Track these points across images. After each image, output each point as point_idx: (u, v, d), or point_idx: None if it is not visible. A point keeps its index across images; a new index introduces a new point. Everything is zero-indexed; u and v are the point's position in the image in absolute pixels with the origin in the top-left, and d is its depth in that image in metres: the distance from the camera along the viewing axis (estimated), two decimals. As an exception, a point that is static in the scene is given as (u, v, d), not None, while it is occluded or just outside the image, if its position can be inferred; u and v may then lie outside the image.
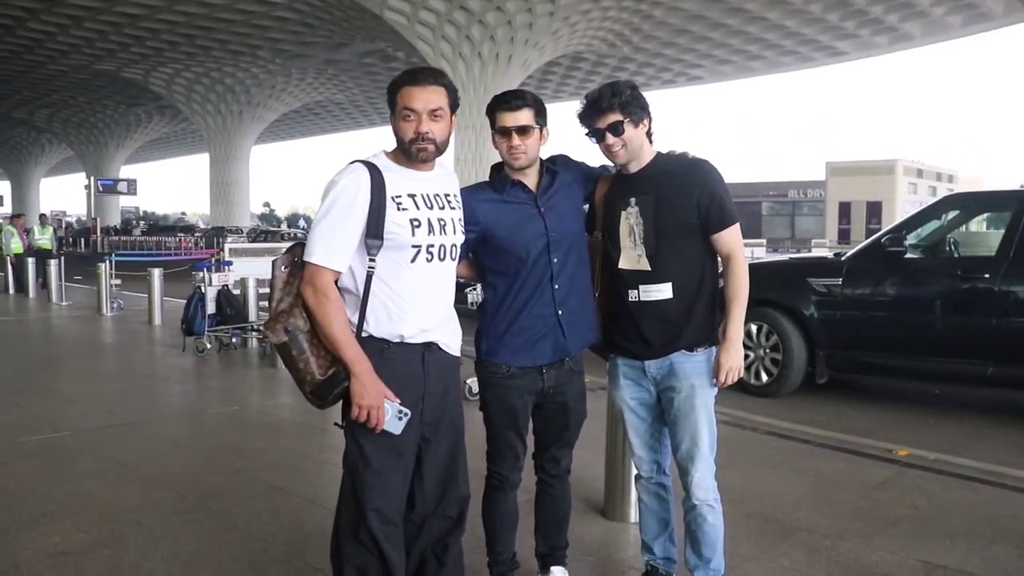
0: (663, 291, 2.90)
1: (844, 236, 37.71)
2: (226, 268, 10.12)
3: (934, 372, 6.80)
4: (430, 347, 2.59)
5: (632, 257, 2.92)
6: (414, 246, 2.50)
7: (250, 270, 10.61)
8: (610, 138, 2.86)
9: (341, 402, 2.54)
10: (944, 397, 7.48)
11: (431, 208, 2.56)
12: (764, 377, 7.40)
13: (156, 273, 12.45)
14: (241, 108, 52.70)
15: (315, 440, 5.83)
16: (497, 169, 2.96)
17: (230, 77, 49.71)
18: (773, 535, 3.98)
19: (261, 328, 9.66)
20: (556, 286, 2.87)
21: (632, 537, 3.88)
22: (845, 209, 40.03)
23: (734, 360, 2.88)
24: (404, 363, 2.53)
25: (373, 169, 2.50)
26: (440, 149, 2.58)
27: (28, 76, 49.82)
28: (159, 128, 67.47)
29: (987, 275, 6.35)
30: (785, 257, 12.56)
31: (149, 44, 42.34)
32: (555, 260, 2.86)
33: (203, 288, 9.63)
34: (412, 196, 2.53)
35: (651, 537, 3.21)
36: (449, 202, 2.64)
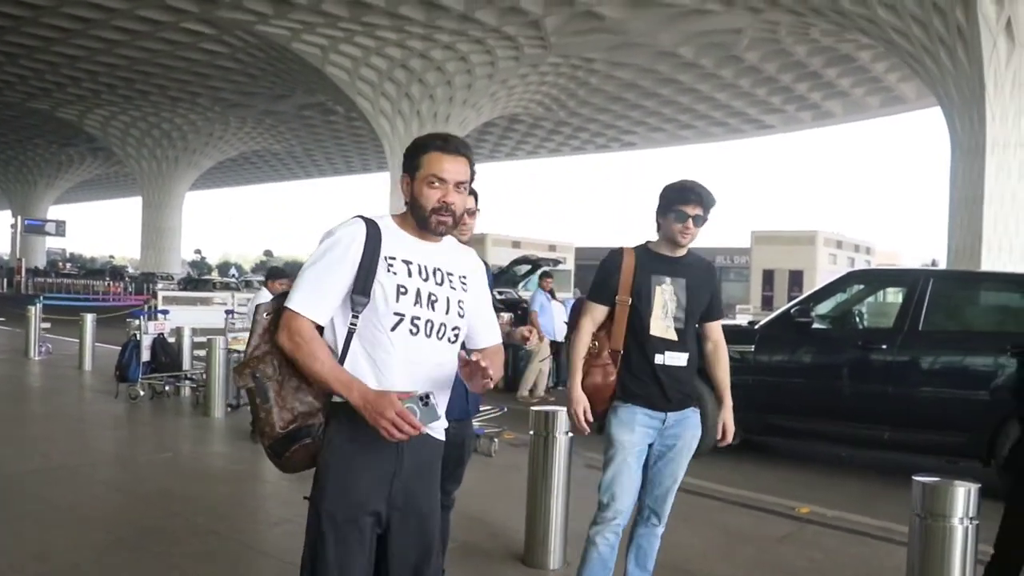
0: (682, 359, 3.49)
1: (767, 303, 38.83)
2: (162, 317, 10.21)
3: (838, 435, 7.27)
4: None
5: (661, 326, 3.45)
6: (396, 313, 2.35)
7: (187, 319, 10.72)
8: (692, 225, 3.41)
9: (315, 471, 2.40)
10: (850, 459, 7.95)
11: (426, 280, 2.41)
12: (681, 437, 7.78)
13: (89, 318, 12.42)
14: (177, 154, 52.34)
15: (248, 487, 6.01)
16: None
17: (167, 123, 49.45)
18: (680, 582, 4.32)
19: (194, 377, 9.79)
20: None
21: (549, 581, 4.19)
22: (769, 276, 41.26)
23: (733, 423, 3.64)
24: (378, 438, 2.29)
25: (372, 225, 2.39)
26: (455, 224, 2.46)
27: (-45, 111, 48.89)
28: (91, 170, 66.41)
29: (884, 346, 6.88)
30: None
31: (86, 85, 42.01)
32: None
33: (139, 335, 9.70)
34: (408, 263, 2.39)
35: None
36: (450, 280, 2.46)
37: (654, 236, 3.59)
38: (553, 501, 4.43)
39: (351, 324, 2.36)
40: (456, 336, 2.46)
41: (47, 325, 14.41)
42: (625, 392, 3.46)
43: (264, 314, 2.40)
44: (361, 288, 2.33)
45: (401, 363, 2.36)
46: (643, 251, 3.54)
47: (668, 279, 3.48)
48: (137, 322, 9.97)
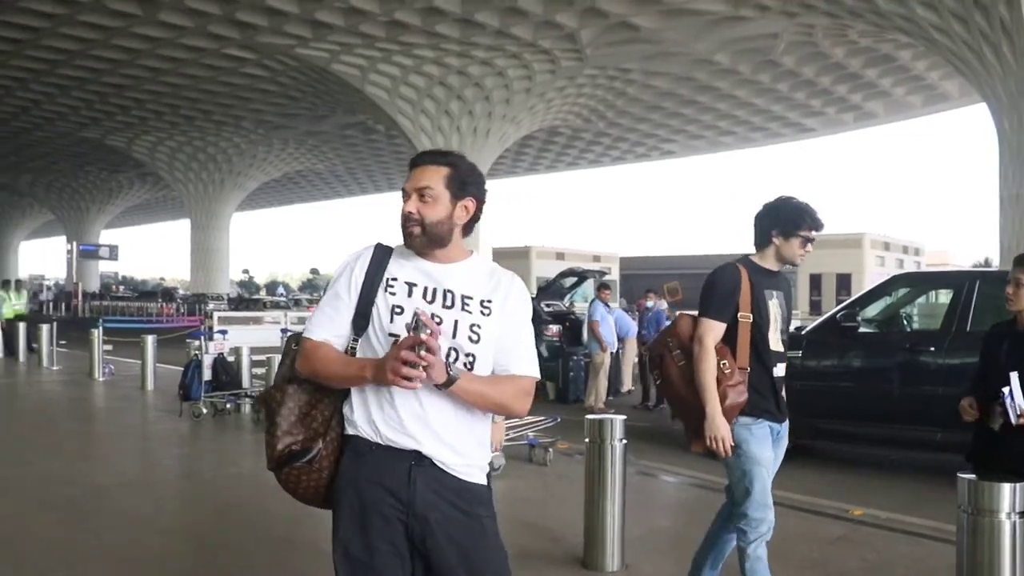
0: (783, 369, 3.67)
1: (815, 307, 38.54)
2: (221, 337, 10.55)
3: (889, 438, 7.33)
4: (421, 461, 2.26)
5: (774, 340, 3.60)
6: (391, 335, 2.26)
7: (243, 339, 11.06)
8: (809, 247, 3.60)
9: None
10: (901, 462, 8.00)
11: (431, 302, 2.30)
12: (732, 442, 7.90)
13: (150, 340, 12.82)
14: (223, 176, 53.37)
15: (314, 499, 6.24)
16: None
17: (212, 146, 50.48)
18: (735, 582, 4.46)
19: (253, 395, 10.10)
20: None
21: (610, 582, 4.38)
22: (816, 281, 40.93)
23: None
24: (386, 470, 2.25)
25: (381, 250, 2.39)
26: (428, 233, 2.31)
27: (14, 142, 50.33)
28: (140, 194, 67.95)
29: (932, 348, 6.95)
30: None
31: (134, 113, 43.09)
32: None
33: (200, 355, 10.05)
34: (411, 284, 2.32)
35: None
36: (465, 304, 2.32)
37: (749, 249, 3.71)
38: (610, 505, 4.60)
39: (352, 347, 2.33)
40: (471, 363, 2.29)
41: (109, 347, 14.88)
42: (755, 408, 3.54)
43: (293, 345, 2.43)
44: (362, 311, 2.31)
45: (408, 393, 2.22)
46: (751, 266, 3.62)
47: (775, 292, 3.61)
48: (197, 343, 10.32)
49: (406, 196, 2.33)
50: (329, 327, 2.33)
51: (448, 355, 2.25)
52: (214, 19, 29.31)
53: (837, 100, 39.03)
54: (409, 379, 2.11)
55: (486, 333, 2.31)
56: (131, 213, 79.83)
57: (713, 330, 3.50)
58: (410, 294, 2.30)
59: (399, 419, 2.24)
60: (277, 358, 9.28)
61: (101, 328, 14.63)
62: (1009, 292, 3.59)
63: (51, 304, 50.21)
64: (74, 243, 57.18)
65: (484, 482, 2.35)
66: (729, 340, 3.51)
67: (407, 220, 2.30)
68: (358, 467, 2.27)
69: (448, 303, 2.30)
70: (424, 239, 2.31)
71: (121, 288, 69.66)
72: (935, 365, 6.91)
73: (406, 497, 2.24)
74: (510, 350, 2.35)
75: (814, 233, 3.56)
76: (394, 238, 2.45)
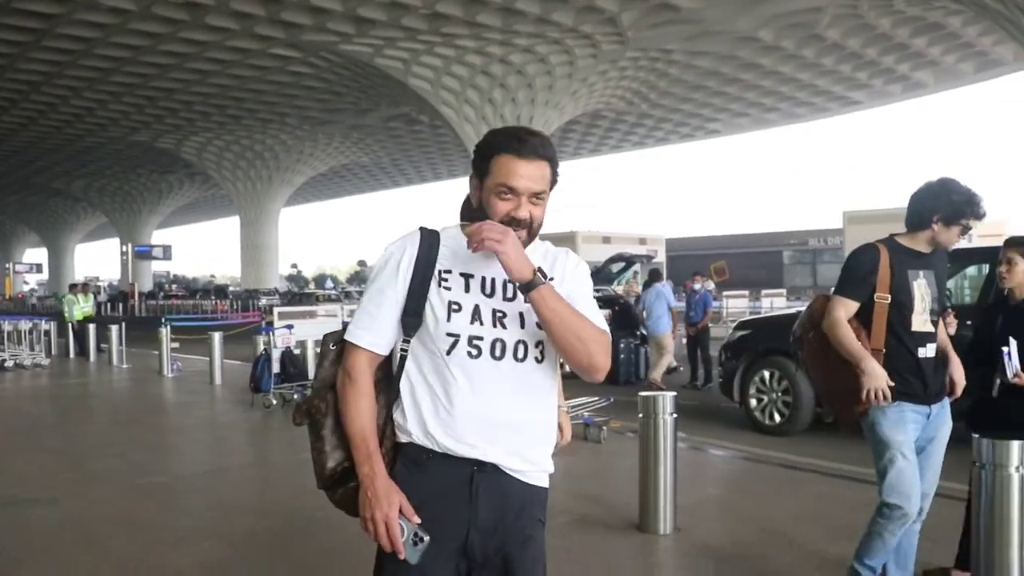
0: (933, 349, 3.60)
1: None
2: (288, 331, 11.09)
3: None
4: (483, 467, 2.05)
5: (920, 320, 3.53)
6: (450, 334, 2.04)
7: (305, 332, 11.60)
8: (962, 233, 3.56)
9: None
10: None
11: (490, 296, 2.07)
12: (777, 418, 8.25)
13: (216, 336, 13.40)
14: (270, 173, 54.40)
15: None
16: None
17: (259, 144, 51.51)
18: (778, 543, 4.83)
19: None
20: None
21: (662, 544, 4.78)
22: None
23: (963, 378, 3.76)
24: (445, 481, 2.04)
25: (429, 237, 2.13)
26: (531, 235, 2.07)
27: (67, 149, 51.97)
28: (190, 194, 69.46)
29: (967, 322, 7.17)
30: (794, 310, 13.36)
31: (182, 115, 44.24)
32: None
33: (269, 350, 10.60)
34: (467, 276, 2.08)
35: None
36: None
37: (899, 228, 3.64)
38: (662, 473, 4.99)
39: (402, 348, 2.10)
40: (543, 351, 2.10)
41: (176, 345, 15.53)
42: (891, 391, 3.46)
43: (331, 344, 2.19)
44: (413, 308, 2.06)
45: (468, 393, 2.03)
46: (895, 246, 3.58)
47: (922, 272, 3.53)
48: (265, 337, 10.88)
49: (513, 194, 2.02)
50: (378, 331, 2.09)
51: (516, 349, 2.06)
52: (259, 20, 30.00)
53: (884, 71, 38.65)
54: (373, 531, 1.99)
55: None
56: (181, 213, 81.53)
57: (844, 304, 3.52)
58: (467, 288, 2.07)
59: (457, 424, 2.03)
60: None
61: (168, 327, 15.28)
62: (1002, 271, 3.88)
63: (107, 305, 51.46)
64: (128, 244, 58.68)
65: (546, 485, 2.17)
66: (866, 322, 3.51)
67: (516, 224, 2.01)
68: (413, 479, 2.04)
69: (509, 295, 2.07)
70: (526, 243, 2.05)
71: (174, 287, 71.24)
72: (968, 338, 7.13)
73: (467, 510, 2.04)
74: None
75: (974, 222, 3.50)
76: (434, 224, 2.24)
